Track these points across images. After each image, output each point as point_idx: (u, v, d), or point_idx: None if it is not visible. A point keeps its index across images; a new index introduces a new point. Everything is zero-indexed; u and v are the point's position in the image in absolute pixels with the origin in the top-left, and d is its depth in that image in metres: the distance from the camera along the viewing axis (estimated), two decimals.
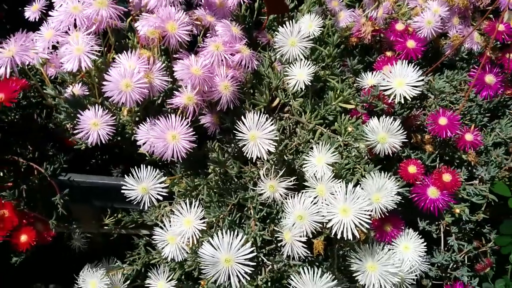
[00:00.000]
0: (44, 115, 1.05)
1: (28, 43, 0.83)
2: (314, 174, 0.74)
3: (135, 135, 0.86)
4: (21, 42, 0.74)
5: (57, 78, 0.96)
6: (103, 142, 0.80)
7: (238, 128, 0.74)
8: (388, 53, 1.02)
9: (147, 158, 0.90)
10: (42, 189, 1.02)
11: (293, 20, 1.08)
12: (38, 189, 1.02)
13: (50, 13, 0.85)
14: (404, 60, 0.95)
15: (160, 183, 0.82)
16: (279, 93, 0.92)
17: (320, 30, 0.93)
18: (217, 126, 0.89)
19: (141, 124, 0.82)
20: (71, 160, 1.03)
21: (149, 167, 0.83)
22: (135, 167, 1.13)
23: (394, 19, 1.02)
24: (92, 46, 0.74)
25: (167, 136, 0.71)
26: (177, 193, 0.93)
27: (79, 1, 0.82)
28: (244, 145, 0.73)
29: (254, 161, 0.90)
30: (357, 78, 0.98)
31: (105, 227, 1.13)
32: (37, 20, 0.98)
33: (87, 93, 0.90)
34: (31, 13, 0.98)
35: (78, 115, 0.79)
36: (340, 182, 0.72)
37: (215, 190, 0.89)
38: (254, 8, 1.09)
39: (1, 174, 0.99)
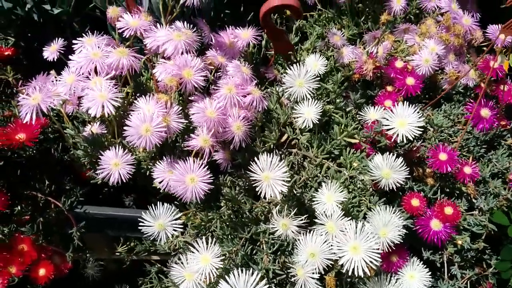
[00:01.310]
0: (60, 148, 1.08)
1: (50, 87, 0.87)
2: (324, 212, 0.77)
3: (150, 171, 0.89)
4: (45, 91, 0.77)
5: (73, 113, 0.99)
6: (124, 181, 0.82)
7: (250, 167, 0.77)
8: (389, 88, 1.05)
9: (161, 190, 0.93)
10: (58, 221, 1.05)
11: (297, 54, 1.13)
12: (55, 222, 1.04)
13: (70, 57, 0.89)
14: (404, 97, 1.00)
15: (176, 219, 0.85)
16: (287, 129, 0.96)
17: (324, 69, 0.97)
18: (229, 162, 0.91)
19: (157, 163, 0.85)
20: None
21: (165, 204, 0.86)
22: (151, 201, 1.16)
23: (394, 56, 1.06)
24: (114, 92, 0.77)
25: (186, 179, 0.74)
26: (190, 224, 0.96)
27: (98, 47, 0.85)
28: (257, 185, 0.76)
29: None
30: (359, 112, 1.02)
31: (118, 254, 1.16)
32: (55, 60, 1.02)
33: (105, 131, 0.93)
34: (49, 53, 1.02)
35: (100, 156, 0.82)
36: (349, 219, 0.75)
37: (227, 223, 0.91)
38: (261, 45, 1.13)
39: (19, 208, 1.01)
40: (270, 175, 0.75)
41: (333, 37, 1.16)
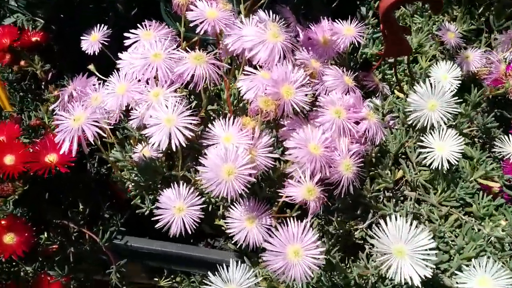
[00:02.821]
0: (96, 163, 0.90)
1: (93, 94, 0.67)
2: None
3: (214, 206, 0.71)
4: (90, 108, 0.57)
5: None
6: (189, 232, 0.63)
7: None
8: None
9: (223, 228, 0.74)
10: (92, 253, 0.87)
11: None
12: (89, 255, 0.87)
13: (120, 55, 0.69)
14: None
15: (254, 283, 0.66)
16: (403, 165, 0.74)
17: (458, 83, 0.75)
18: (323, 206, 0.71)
19: (231, 208, 0.65)
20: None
21: (240, 265, 0.67)
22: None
23: None
24: (185, 116, 0.57)
25: (287, 252, 0.54)
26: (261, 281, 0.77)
27: (160, 46, 0.65)
28: (383, 259, 0.55)
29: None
30: (494, 143, 0.79)
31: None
32: (96, 54, 0.83)
33: (160, 154, 0.74)
34: (88, 44, 0.82)
35: (158, 198, 0.63)
36: None
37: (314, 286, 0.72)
38: (358, 44, 0.91)
39: (45, 235, 0.83)
40: (406, 249, 0.54)
41: (447, 33, 0.93)
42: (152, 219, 0.67)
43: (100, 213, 0.87)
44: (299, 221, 0.55)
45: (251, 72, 0.61)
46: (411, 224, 0.54)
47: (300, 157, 0.58)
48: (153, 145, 0.58)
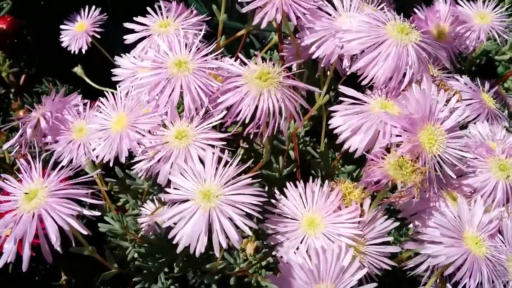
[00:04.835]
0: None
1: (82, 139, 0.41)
2: None
3: None
4: (55, 181, 0.31)
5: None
6: None
7: None
8: None
9: None
10: None
11: None
12: None
13: (118, 60, 0.43)
14: None
15: None
16: None
17: None
18: None
19: None
20: None
21: None
22: None
23: None
24: (238, 186, 0.31)
25: None
26: None
27: (186, 46, 0.38)
28: None
29: None
30: None
31: None
32: (83, 52, 0.57)
33: None
34: (72, 38, 0.58)
35: None
36: None
37: None
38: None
39: None
40: None
41: None
42: None
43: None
44: None
45: (358, 100, 0.35)
46: None
47: (457, 265, 0.32)
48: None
